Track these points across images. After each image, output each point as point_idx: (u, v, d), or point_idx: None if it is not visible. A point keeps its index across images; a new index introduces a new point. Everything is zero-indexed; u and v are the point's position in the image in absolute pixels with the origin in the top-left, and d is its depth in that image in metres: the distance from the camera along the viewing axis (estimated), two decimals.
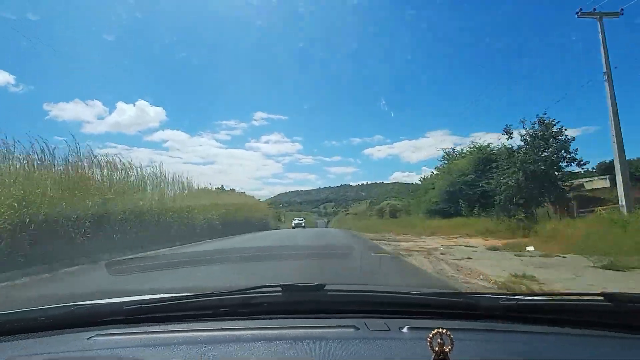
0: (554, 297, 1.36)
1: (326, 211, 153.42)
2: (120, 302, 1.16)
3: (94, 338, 1.01)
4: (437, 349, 0.75)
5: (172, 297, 1.19)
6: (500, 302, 1.12)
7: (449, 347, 0.75)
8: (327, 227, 59.63)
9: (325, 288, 1.16)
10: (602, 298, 1.06)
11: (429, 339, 0.76)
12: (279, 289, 1.15)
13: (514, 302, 1.11)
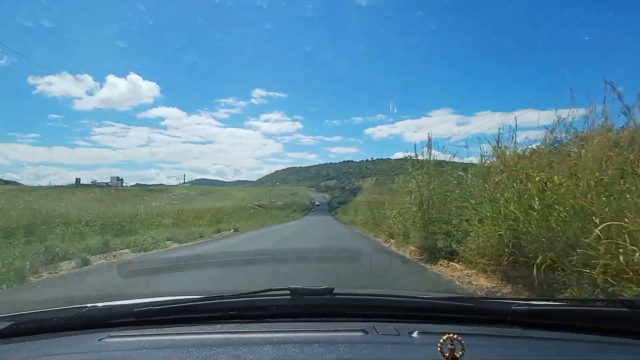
0: (568, 303, 1.34)
1: (327, 186, 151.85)
2: (131, 304, 1.17)
3: (105, 340, 1.02)
4: (447, 354, 0.75)
5: (183, 299, 1.20)
6: (512, 307, 1.09)
7: (460, 352, 0.75)
8: (331, 213, 45.97)
9: (334, 292, 1.15)
10: (619, 304, 1.03)
11: (439, 344, 0.76)
12: (288, 292, 1.15)
13: (527, 307, 1.09)
